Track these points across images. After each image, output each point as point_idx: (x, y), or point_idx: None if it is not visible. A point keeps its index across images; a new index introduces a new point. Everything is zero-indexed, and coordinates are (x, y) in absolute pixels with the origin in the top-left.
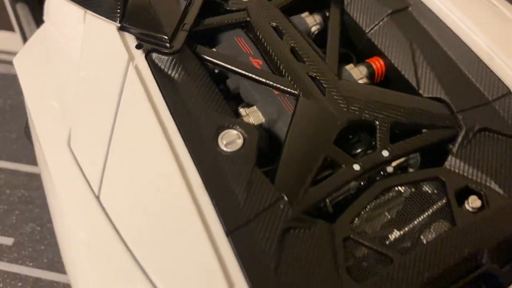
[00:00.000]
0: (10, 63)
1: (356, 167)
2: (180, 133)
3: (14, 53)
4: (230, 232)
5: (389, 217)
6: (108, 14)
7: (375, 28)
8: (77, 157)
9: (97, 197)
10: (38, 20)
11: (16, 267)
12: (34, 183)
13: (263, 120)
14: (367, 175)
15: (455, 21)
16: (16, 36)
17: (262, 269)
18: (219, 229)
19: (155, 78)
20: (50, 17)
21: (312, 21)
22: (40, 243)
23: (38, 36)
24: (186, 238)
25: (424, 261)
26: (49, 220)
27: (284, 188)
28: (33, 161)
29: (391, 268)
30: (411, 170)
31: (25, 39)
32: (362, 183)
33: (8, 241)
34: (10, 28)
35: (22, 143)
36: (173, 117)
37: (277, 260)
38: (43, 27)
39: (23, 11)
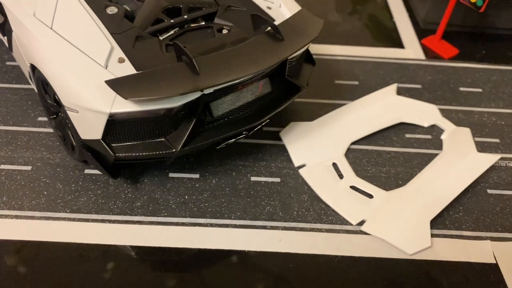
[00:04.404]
0: None
1: (172, 21)
2: (88, 3)
3: None
4: (114, 33)
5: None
6: None
7: None
8: (39, 18)
9: (51, 28)
10: None
11: None
12: None
13: (129, 8)
14: (178, 25)
15: None
16: None
17: (125, 43)
18: (107, 32)
19: None
20: None
21: None
22: None
23: None
24: (93, 33)
25: (201, 46)
26: None
27: (137, 26)
28: None
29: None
30: None
31: None
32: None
33: None
34: None
35: None
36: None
37: (132, 46)
38: None
39: None
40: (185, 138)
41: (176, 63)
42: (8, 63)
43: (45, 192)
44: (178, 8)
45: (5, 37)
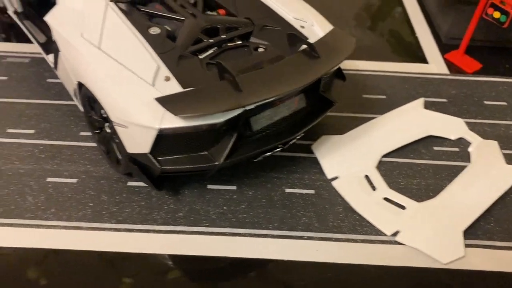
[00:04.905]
0: None
1: (211, 41)
2: (132, 24)
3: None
4: (159, 53)
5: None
6: None
7: None
8: (87, 39)
9: (99, 48)
10: None
11: None
12: None
13: (170, 28)
14: (216, 44)
15: None
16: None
17: (170, 63)
18: (153, 52)
19: (118, 8)
20: (60, 0)
21: None
22: None
23: (54, 9)
24: (139, 52)
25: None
26: None
27: (179, 46)
28: None
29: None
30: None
31: None
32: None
33: None
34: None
35: None
36: (128, 19)
37: (176, 65)
38: (56, 6)
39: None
40: (227, 151)
41: (220, 81)
42: (49, 80)
43: (91, 204)
44: (216, 28)
45: (48, 56)
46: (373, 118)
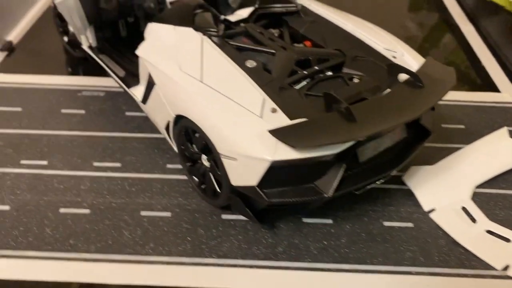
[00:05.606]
0: None
1: (304, 72)
2: (229, 57)
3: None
4: (260, 85)
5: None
6: (186, 25)
7: (303, 30)
8: (186, 72)
9: (201, 81)
10: None
11: None
12: None
13: (262, 61)
14: (310, 75)
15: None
16: None
17: (272, 94)
18: (254, 84)
19: (212, 42)
20: (151, 35)
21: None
22: None
23: (145, 44)
24: (243, 85)
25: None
26: None
27: (276, 78)
28: None
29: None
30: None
31: None
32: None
33: None
34: None
35: None
36: (223, 52)
37: (278, 97)
38: (146, 41)
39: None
40: (336, 183)
41: (327, 112)
42: (127, 113)
43: (189, 238)
44: (307, 60)
45: (131, 89)
46: (455, 148)
